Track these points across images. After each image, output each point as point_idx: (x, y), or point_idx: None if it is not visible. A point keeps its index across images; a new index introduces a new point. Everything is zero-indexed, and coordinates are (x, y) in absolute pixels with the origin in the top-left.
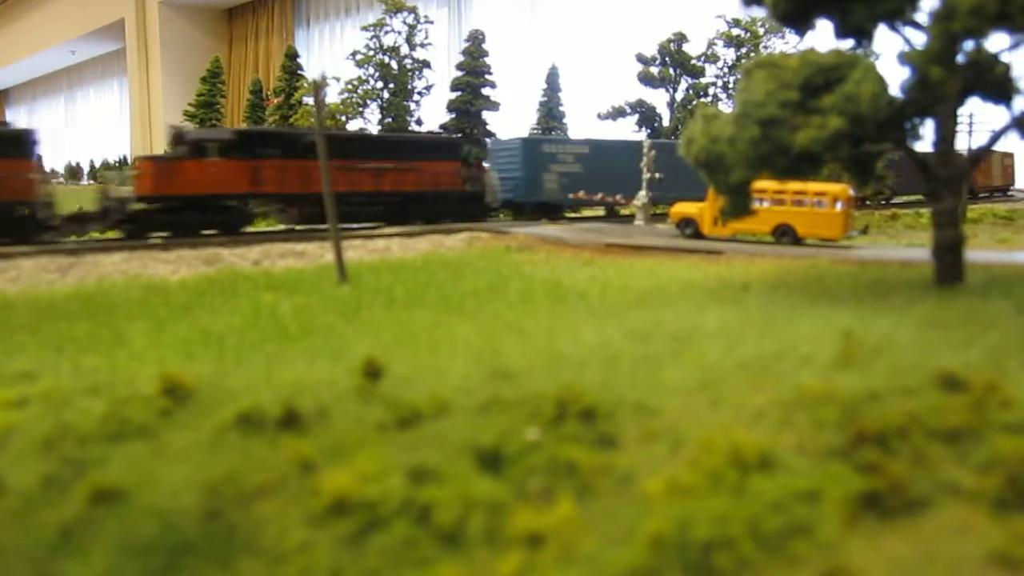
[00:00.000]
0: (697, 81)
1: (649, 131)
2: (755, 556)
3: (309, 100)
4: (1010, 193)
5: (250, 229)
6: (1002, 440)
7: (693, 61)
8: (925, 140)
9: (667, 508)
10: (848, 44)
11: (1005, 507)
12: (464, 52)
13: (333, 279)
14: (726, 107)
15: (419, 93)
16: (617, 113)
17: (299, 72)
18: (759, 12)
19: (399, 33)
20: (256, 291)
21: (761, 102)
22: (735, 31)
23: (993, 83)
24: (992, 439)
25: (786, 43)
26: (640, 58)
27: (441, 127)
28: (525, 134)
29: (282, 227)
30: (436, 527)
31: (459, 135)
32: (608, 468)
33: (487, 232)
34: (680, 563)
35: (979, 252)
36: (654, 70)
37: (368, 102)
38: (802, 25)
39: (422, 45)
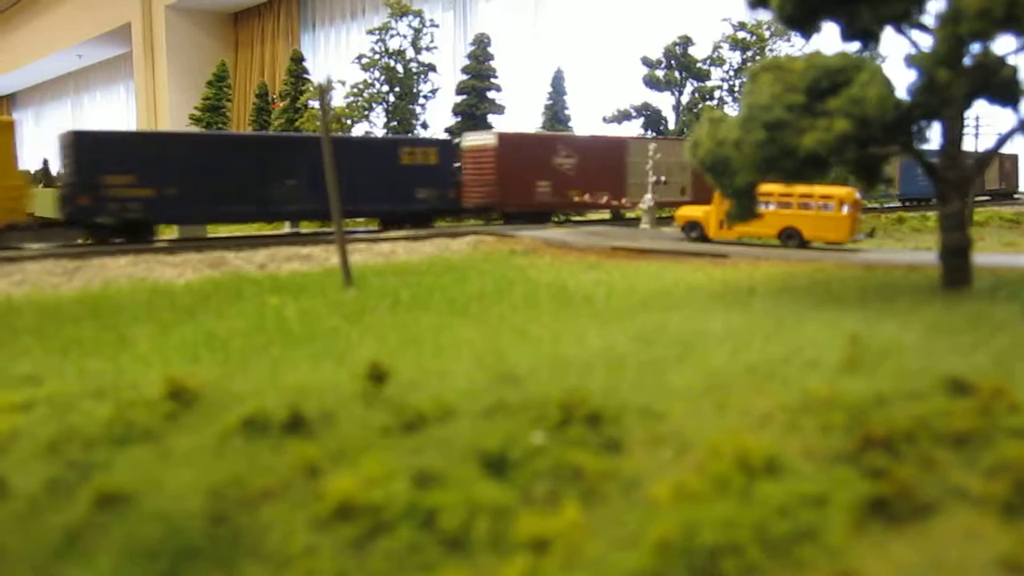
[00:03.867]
0: (703, 84)
1: (655, 134)
2: (762, 561)
3: (315, 104)
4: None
5: (256, 233)
6: (1010, 445)
7: (699, 64)
8: (932, 143)
9: (673, 513)
10: (854, 47)
11: (1013, 512)
12: (469, 55)
13: (338, 283)
14: (732, 110)
15: (425, 96)
16: (622, 116)
17: (305, 76)
18: (765, 15)
19: (404, 37)
20: (261, 294)
21: (767, 105)
22: (741, 34)
23: (1000, 85)
24: (1000, 444)
25: (792, 46)
26: (645, 61)
27: (446, 130)
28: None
29: (288, 231)
30: (441, 532)
31: None
32: (614, 472)
33: (492, 235)
34: (687, 568)
35: (986, 256)
36: (659, 73)
37: (374, 105)
38: (808, 28)
39: (427, 49)
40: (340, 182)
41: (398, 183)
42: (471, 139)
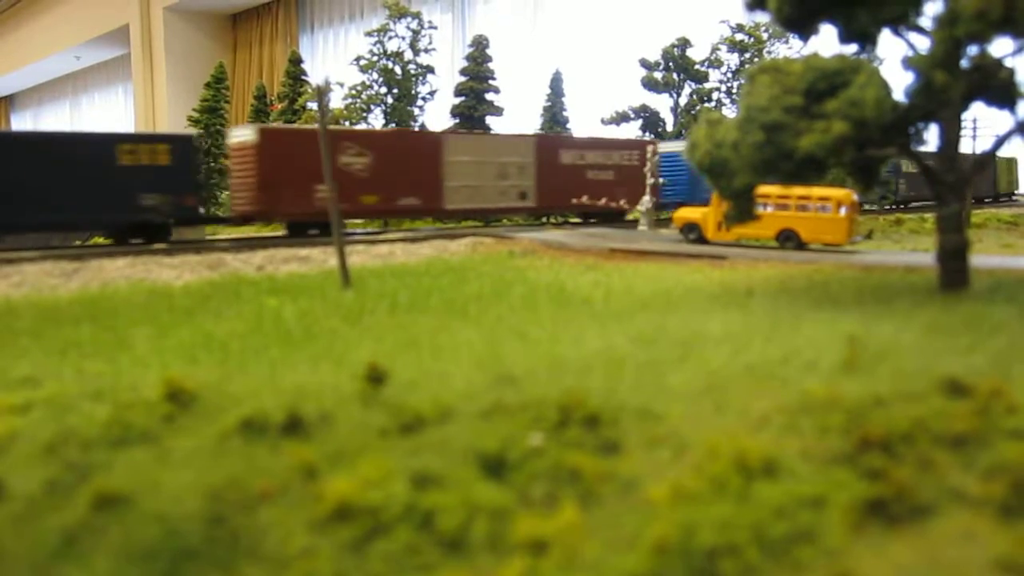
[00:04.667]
0: (701, 86)
1: (653, 136)
2: (760, 562)
3: (313, 105)
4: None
5: (254, 234)
6: (1007, 446)
7: (697, 66)
8: (929, 145)
9: (671, 514)
10: (852, 49)
11: (1011, 513)
12: (468, 57)
13: (337, 284)
14: (730, 112)
15: (423, 98)
16: (621, 118)
17: (303, 77)
18: (763, 17)
19: (403, 38)
20: (260, 296)
21: (765, 107)
22: (739, 36)
23: (997, 88)
24: (997, 445)
25: (790, 48)
26: (644, 63)
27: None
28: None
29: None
30: (439, 533)
31: None
32: (612, 474)
33: (491, 237)
34: (684, 569)
35: (984, 257)
36: (658, 75)
37: (372, 107)
38: (806, 30)
39: (426, 50)
40: (29, 187)
41: (113, 188)
42: (235, 135)
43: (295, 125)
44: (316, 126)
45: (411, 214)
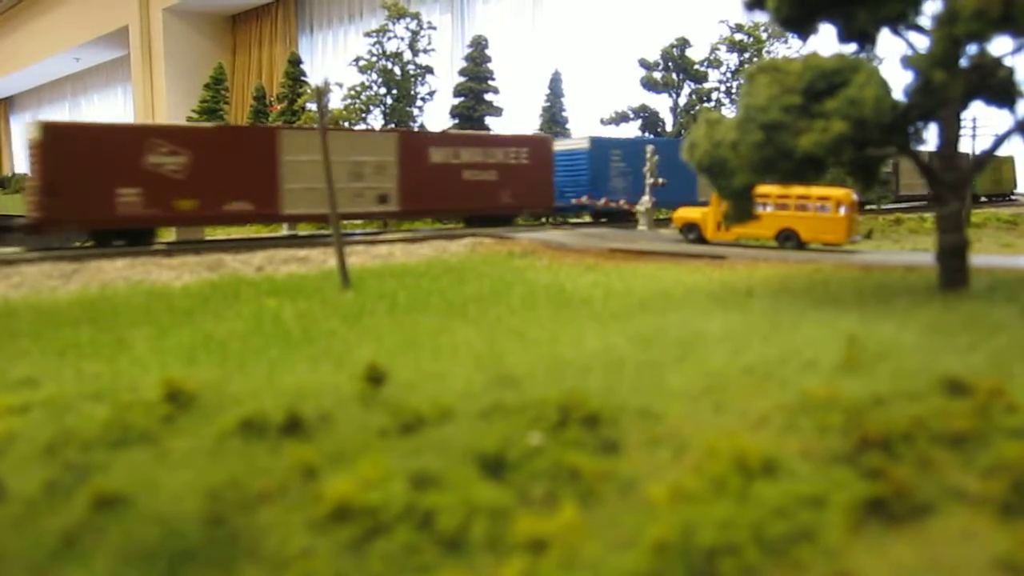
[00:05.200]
0: (700, 86)
1: (653, 135)
2: (759, 562)
3: (312, 106)
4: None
5: (254, 235)
6: (1007, 445)
7: (696, 66)
8: (928, 144)
9: (671, 514)
10: (851, 48)
11: (1011, 512)
12: (467, 58)
13: (336, 285)
14: (729, 112)
15: (422, 99)
16: (620, 118)
17: (302, 78)
18: (762, 17)
19: (402, 39)
20: (259, 297)
21: (764, 107)
22: (738, 36)
23: (996, 87)
24: (997, 444)
25: (789, 48)
26: (643, 63)
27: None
28: None
29: (285, 233)
30: (438, 533)
31: None
32: (611, 474)
33: (490, 238)
34: (684, 569)
35: (983, 257)
36: (657, 75)
37: (371, 108)
38: (805, 29)
39: (425, 51)
40: None
41: None
42: (30, 133)
43: (88, 121)
44: (125, 123)
45: (242, 220)
